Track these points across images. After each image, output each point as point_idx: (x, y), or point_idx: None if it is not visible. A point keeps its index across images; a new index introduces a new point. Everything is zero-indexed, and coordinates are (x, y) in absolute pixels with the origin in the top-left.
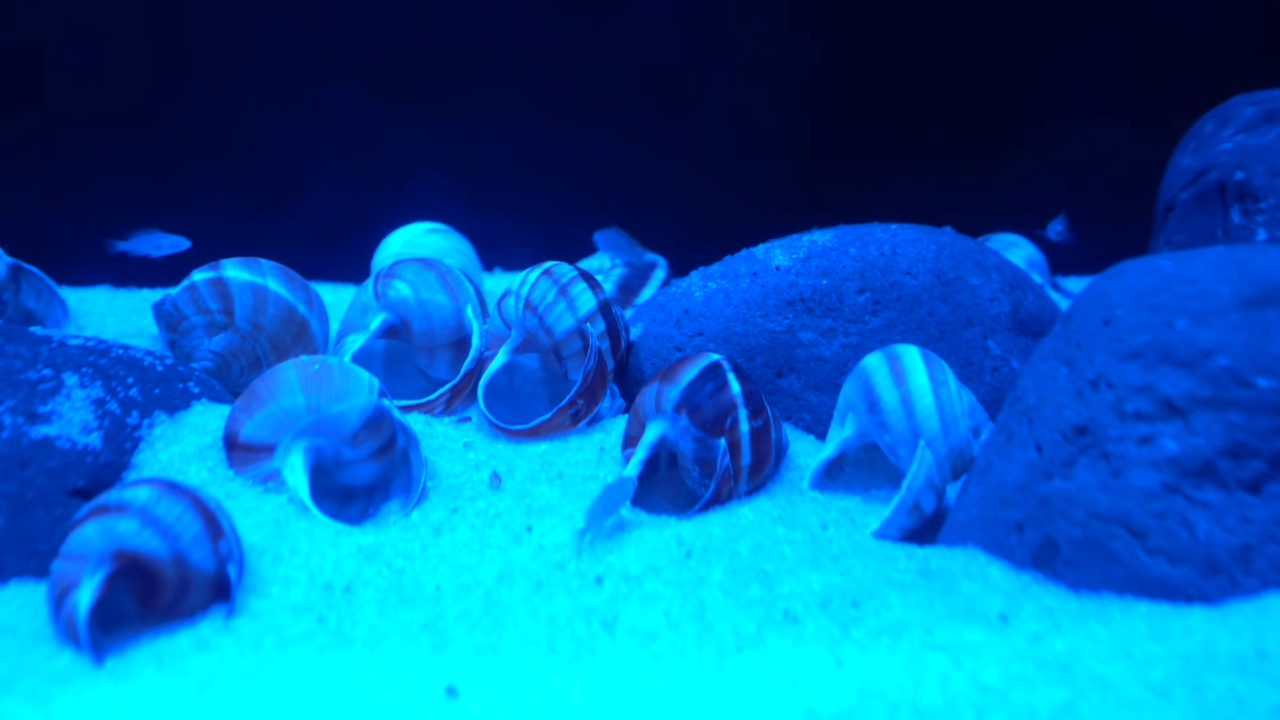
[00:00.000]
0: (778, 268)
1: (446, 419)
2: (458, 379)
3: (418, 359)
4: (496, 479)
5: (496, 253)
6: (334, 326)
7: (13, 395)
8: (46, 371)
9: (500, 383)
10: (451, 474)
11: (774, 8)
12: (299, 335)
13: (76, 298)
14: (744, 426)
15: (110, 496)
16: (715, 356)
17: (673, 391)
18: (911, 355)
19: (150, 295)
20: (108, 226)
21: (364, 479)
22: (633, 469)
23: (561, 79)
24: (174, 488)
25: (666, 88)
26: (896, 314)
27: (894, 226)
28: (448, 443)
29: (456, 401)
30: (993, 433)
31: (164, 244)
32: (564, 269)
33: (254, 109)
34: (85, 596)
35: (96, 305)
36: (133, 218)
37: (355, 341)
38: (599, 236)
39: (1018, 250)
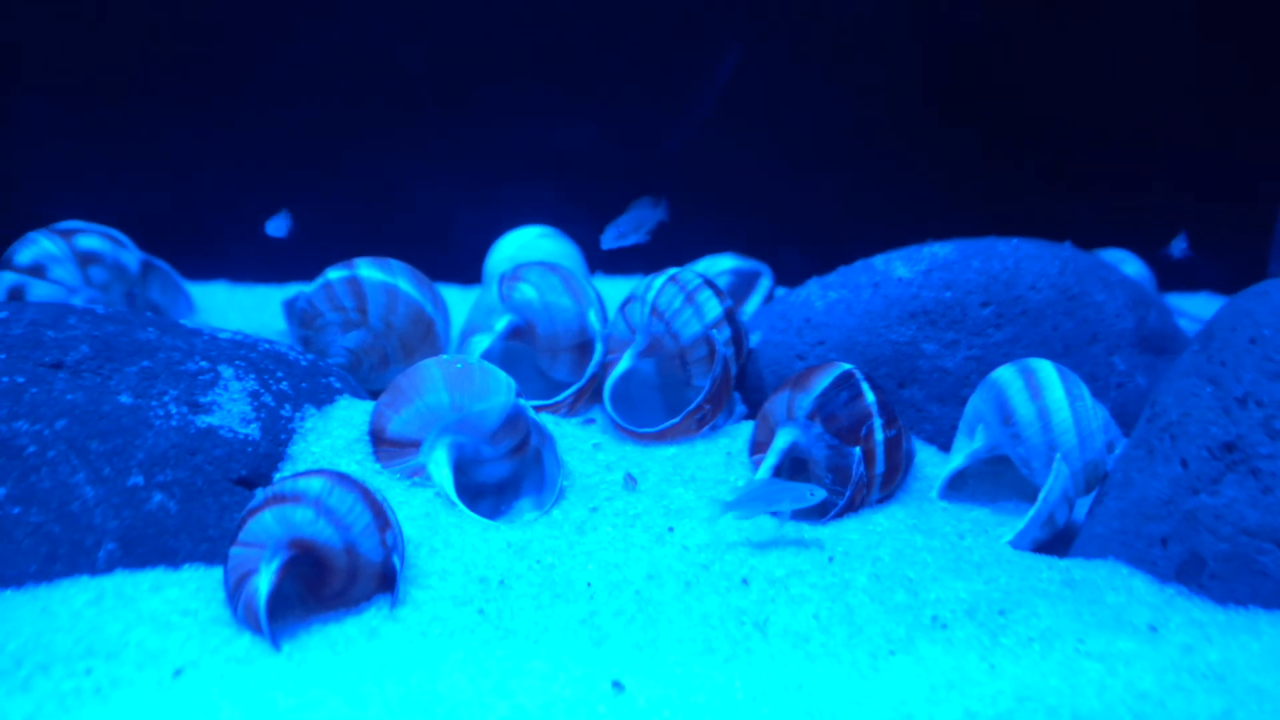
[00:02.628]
0: (900, 279)
1: (572, 420)
2: (583, 381)
3: (539, 361)
4: (631, 480)
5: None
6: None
7: (175, 385)
8: (204, 364)
9: (617, 386)
10: (584, 474)
11: (884, 7)
12: (426, 335)
13: (196, 293)
14: (879, 435)
15: (285, 485)
16: (847, 366)
17: (805, 399)
18: (1047, 369)
19: (267, 291)
20: (220, 222)
21: (497, 477)
22: (764, 473)
23: (653, 80)
24: (344, 479)
25: (759, 95)
26: (1020, 328)
27: (1014, 241)
28: (577, 443)
29: (580, 403)
30: (1129, 447)
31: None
32: (690, 276)
33: (357, 116)
34: (264, 583)
35: (217, 300)
36: (241, 215)
37: (481, 342)
38: (619, 225)
39: (1128, 266)
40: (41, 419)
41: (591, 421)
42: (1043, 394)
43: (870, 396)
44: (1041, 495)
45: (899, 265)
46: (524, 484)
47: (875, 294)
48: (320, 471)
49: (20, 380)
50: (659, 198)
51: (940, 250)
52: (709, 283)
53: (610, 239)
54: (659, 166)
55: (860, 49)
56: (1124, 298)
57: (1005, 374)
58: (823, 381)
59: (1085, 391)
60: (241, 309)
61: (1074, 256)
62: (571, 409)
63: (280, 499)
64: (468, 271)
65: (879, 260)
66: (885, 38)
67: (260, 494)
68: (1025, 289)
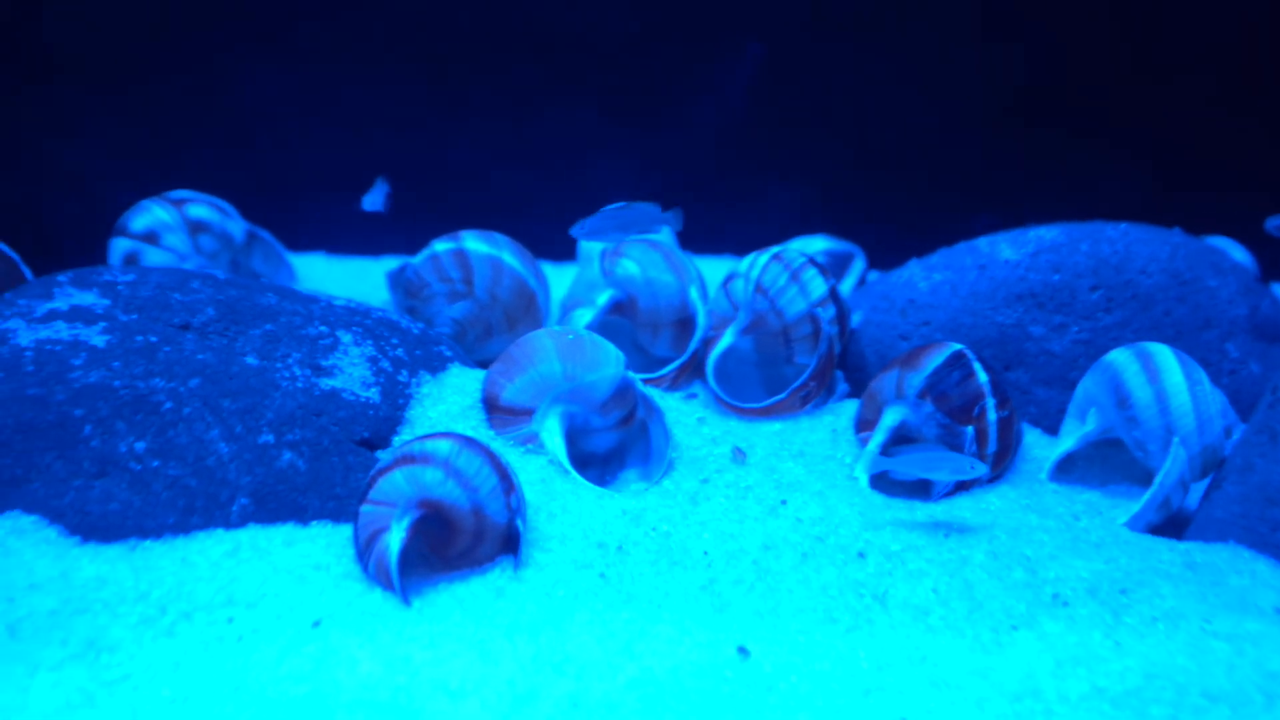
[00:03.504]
0: (1006, 261)
1: (675, 394)
2: (685, 356)
3: (639, 336)
4: (740, 454)
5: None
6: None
7: (298, 349)
8: (323, 329)
9: (718, 362)
10: (691, 447)
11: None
12: (528, 308)
13: (295, 263)
14: (991, 415)
15: (414, 447)
16: (958, 346)
17: (916, 378)
18: (1165, 354)
19: (364, 263)
20: (317, 194)
21: (604, 447)
22: (873, 449)
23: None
24: (471, 442)
25: (846, 82)
26: (1130, 312)
27: (1123, 225)
28: (681, 417)
29: (681, 378)
30: (1249, 432)
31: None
32: (794, 254)
33: (450, 91)
34: (395, 540)
35: (315, 271)
36: (338, 187)
37: (584, 316)
38: (595, 222)
39: (1233, 254)
40: (176, 377)
41: (694, 396)
42: (1161, 378)
43: (983, 376)
44: (1158, 478)
45: (1005, 247)
46: (629, 455)
47: (981, 276)
48: (448, 434)
49: (153, 340)
50: (673, 208)
51: (1047, 233)
52: (813, 261)
53: (582, 231)
54: (741, 148)
55: (950, 36)
56: (1236, 284)
57: (1121, 357)
58: (934, 360)
59: (1204, 376)
60: (340, 280)
61: (1184, 242)
62: (673, 383)
63: (410, 459)
64: (556, 248)
65: (983, 243)
66: (975, 24)
67: (390, 454)
68: (1136, 273)
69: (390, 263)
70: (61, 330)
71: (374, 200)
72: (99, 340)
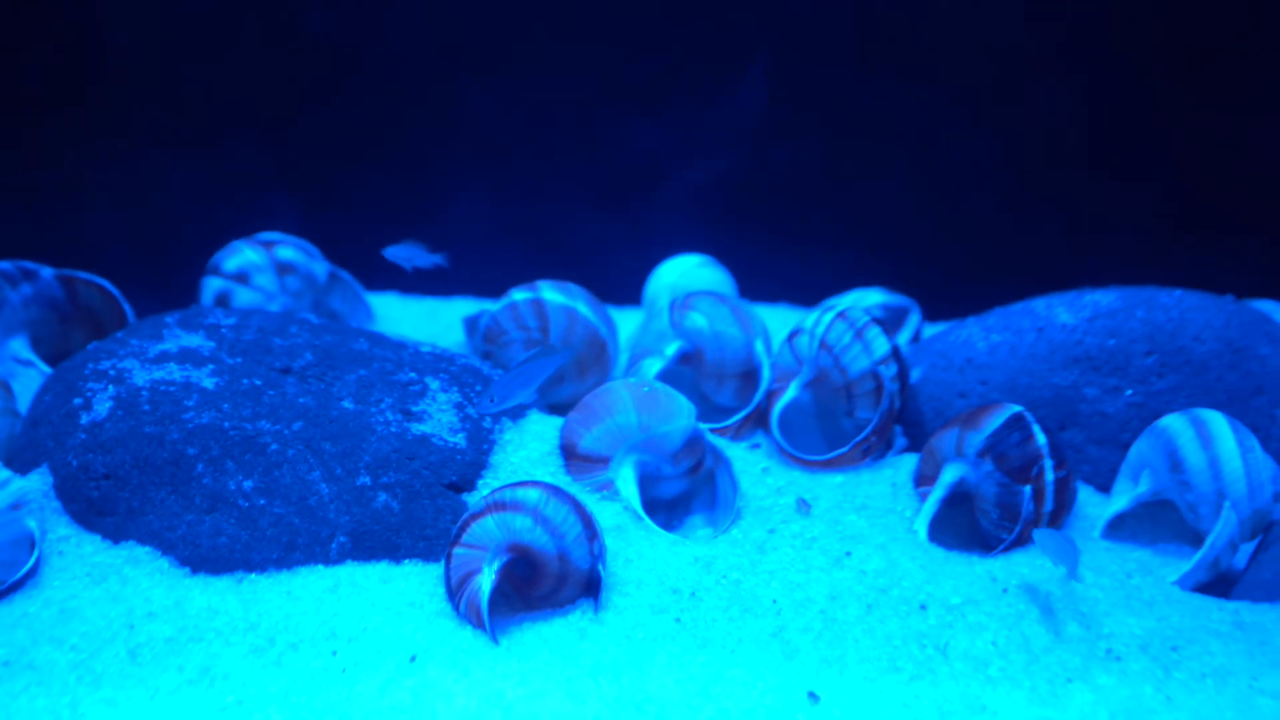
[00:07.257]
0: (1063, 325)
1: (739, 444)
2: (750, 408)
3: (703, 385)
4: (804, 505)
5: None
6: None
7: (390, 394)
8: (413, 375)
9: (782, 414)
10: (756, 497)
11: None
12: (599, 356)
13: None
14: (1049, 475)
15: (505, 494)
16: (1017, 408)
17: (976, 437)
18: (1218, 420)
19: (436, 303)
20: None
21: (671, 493)
22: (931, 507)
23: (804, 103)
24: (558, 491)
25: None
26: (1183, 378)
27: (1177, 292)
28: (746, 467)
29: (744, 429)
30: None
31: (418, 258)
32: (858, 312)
33: (515, 142)
34: (486, 582)
35: (390, 311)
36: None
37: (653, 365)
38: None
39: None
40: (281, 420)
41: (757, 446)
42: (1214, 444)
43: (1041, 439)
44: (1209, 540)
45: (1062, 311)
46: (694, 501)
47: (1039, 338)
48: (536, 483)
49: (258, 383)
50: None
51: (1103, 299)
52: (877, 320)
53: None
54: (796, 198)
55: (1014, 85)
56: None
57: (1175, 423)
58: (994, 421)
59: (1255, 443)
60: (412, 319)
61: (1238, 310)
62: (737, 434)
63: (501, 506)
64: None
65: (1040, 305)
66: (1040, 75)
67: (481, 501)
68: (1189, 340)
69: (460, 304)
70: (174, 371)
71: (399, 254)
72: (209, 383)
